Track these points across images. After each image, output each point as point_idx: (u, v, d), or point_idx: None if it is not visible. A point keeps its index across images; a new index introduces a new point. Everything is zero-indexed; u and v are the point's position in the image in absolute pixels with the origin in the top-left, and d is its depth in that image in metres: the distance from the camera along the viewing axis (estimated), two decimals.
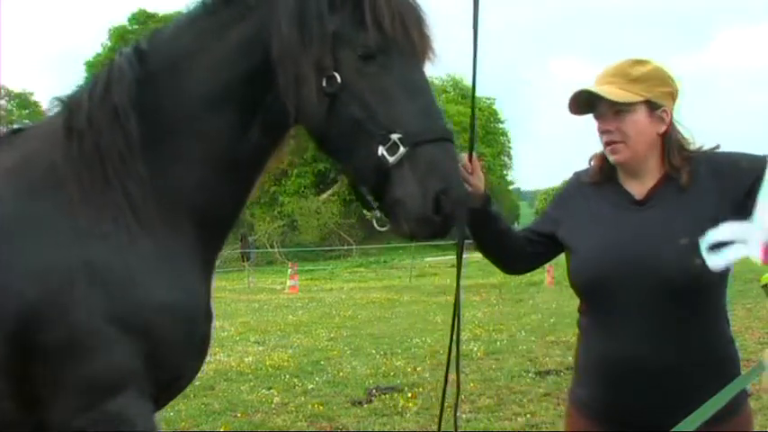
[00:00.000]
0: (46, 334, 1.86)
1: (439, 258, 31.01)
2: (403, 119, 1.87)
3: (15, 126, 2.33)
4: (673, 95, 2.23)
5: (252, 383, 7.52)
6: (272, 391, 7.22)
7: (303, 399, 6.86)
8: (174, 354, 2.02)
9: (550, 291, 17.55)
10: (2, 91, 68.51)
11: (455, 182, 1.88)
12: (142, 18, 59.59)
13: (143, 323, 1.91)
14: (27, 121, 71.28)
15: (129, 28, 59.43)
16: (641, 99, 2.15)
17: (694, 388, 2.07)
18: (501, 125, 55.71)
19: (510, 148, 57.68)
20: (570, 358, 8.29)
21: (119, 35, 58.76)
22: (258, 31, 1.97)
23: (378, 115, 1.88)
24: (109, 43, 59.19)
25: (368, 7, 1.88)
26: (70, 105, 2.04)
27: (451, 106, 48.29)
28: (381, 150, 1.86)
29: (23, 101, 70.72)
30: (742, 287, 15.43)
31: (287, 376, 7.83)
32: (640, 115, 2.16)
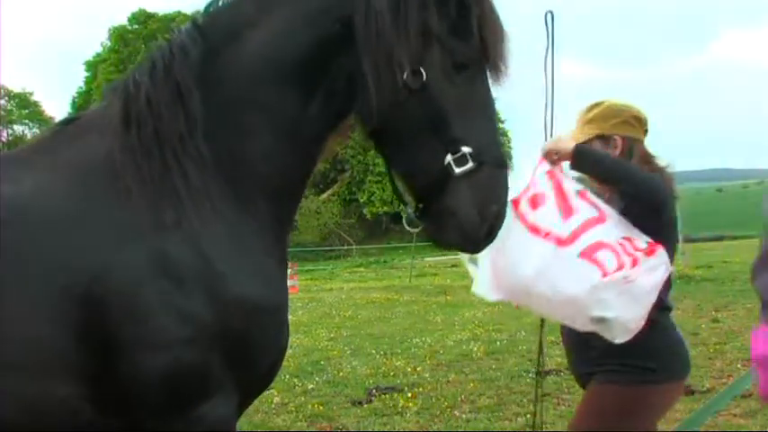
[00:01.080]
0: (115, 334, 1.80)
1: (439, 258, 30.98)
2: (476, 135, 1.90)
3: (68, 116, 2.28)
4: (627, 121, 2.74)
5: None
6: (272, 391, 7.21)
7: (303, 399, 6.86)
8: (257, 351, 1.94)
9: None
10: (2, 91, 68.49)
11: (505, 210, 1.98)
12: (142, 18, 59.59)
13: (221, 319, 1.83)
14: (27, 121, 71.44)
15: (129, 28, 59.43)
16: (593, 136, 2.74)
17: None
18: (501, 125, 55.71)
19: (510, 148, 57.63)
20: None
21: (119, 35, 58.79)
22: (332, 3, 1.92)
23: (454, 124, 1.88)
24: (109, 43, 59.21)
25: (476, 19, 1.88)
26: (127, 91, 1.96)
27: None
28: (449, 159, 1.88)
29: (23, 101, 70.69)
30: (742, 287, 15.42)
31: (287, 376, 7.82)
32: (596, 146, 2.72)
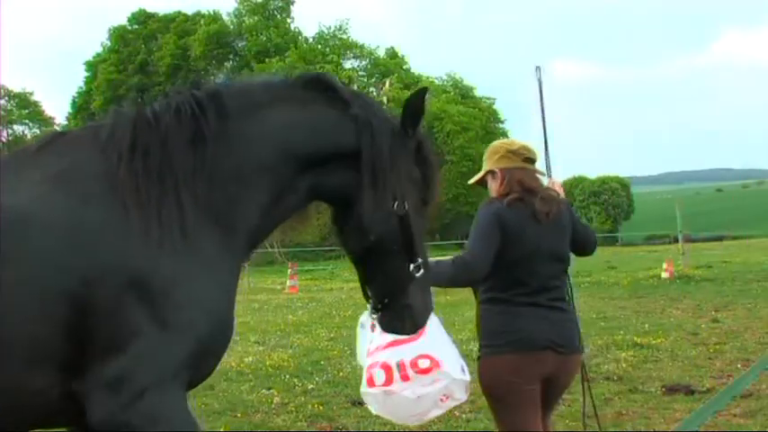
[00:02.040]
0: (98, 332, 2.08)
1: (438, 258, 30.94)
2: (422, 251, 2.60)
3: (58, 129, 2.43)
4: (504, 156, 3.40)
5: (252, 383, 7.52)
6: (272, 391, 7.22)
7: (303, 399, 6.86)
8: (211, 353, 2.30)
9: None
10: (2, 91, 68.45)
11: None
12: (142, 18, 59.50)
13: (187, 324, 2.16)
14: (27, 121, 71.37)
15: (129, 28, 59.35)
16: (485, 172, 3.47)
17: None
18: (501, 125, 55.61)
19: None
20: None
21: (119, 35, 58.70)
22: (345, 124, 2.47)
23: (416, 243, 2.55)
24: (109, 43, 59.16)
25: (433, 173, 2.67)
26: (140, 122, 2.28)
27: (452, 106, 48.31)
28: (413, 267, 2.55)
29: (23, 101, 70.64)
30: (742, 287, 15.44)
31: (287, 376, 7.83)
32: (489, 181, 3.47)
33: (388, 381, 3.13)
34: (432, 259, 3.02)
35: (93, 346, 2.09)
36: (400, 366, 3.16)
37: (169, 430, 2.14)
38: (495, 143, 3.58)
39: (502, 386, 3.23)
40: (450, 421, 5.89)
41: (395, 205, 2.49)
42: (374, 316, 2.68)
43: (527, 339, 3.21)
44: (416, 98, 2.59)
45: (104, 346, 2.09)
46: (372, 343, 3.19)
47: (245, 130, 2.36)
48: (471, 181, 3.63)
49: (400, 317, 2.59)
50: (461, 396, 3.20)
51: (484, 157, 3.51)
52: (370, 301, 2.67)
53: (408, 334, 2.70)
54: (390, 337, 2.98)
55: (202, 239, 2.23)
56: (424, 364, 3.14)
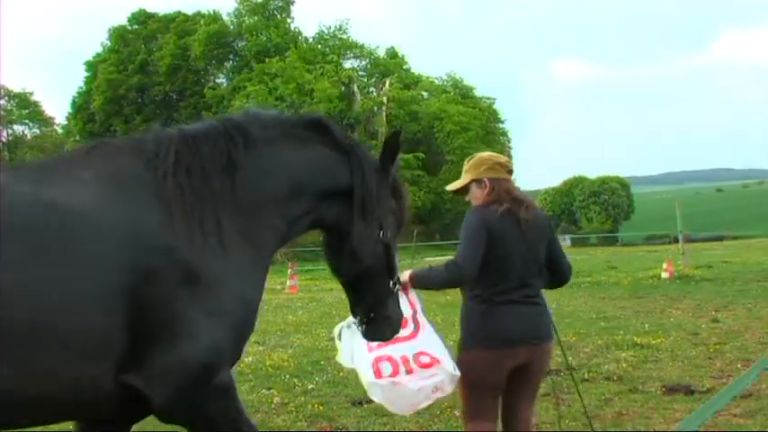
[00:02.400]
0: (154, 323, 2.36)
1: (438, 258, 31.00)
2: (397, 268, 3.16)
3: (93, 143, 2.78)
4: (492, 167, 3.70)
5: (252, 383, 7.51)
6: (272, 391, 7.21)
7: (303, 399, 6.86)
8: (244, 338, 2.71)
9: (550, 291, 17.53)
10: (2, 91, 68.41)
11: None
12: (142, 18, 59.47)
13: (229, 313, 2.54)
14: (27, 121, 71.27)
15: (129, 28, 59.32)
16: (469, 180, 3.74)
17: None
18: (501, 125, 55.64)
19: (510, 148, 57.59)
20: (571, 358, 8.29)
21: (119, 35, 58.67)
22: (341, 165, 2.91)
23: (395, 263, 3.08)
24: (109, 43, 59.12)
25: (405, 209, 3.19)
26: (179, 145, 2.63)
27: (452, 106, 48.31)
28: (391, 283, 3.08)
29: (23, 101, 70.61)
30: (742, 287, 15.43)
31: (287, 376, 7.82)
32: (473, 188, 3.75)
33: (395, 372, 3.58)
34: (424, 266, 3.60)
35: (149, 336, 2.35)
36: (403, 361, 3.63)
37: (233, 405, 2.63)
38: (482, 155, 3.86)
39: (475, 375, 3.62)
40: (449, 421, 5.89)
41: (380, 234, 2.98)
42: (360, 328, 3.21)
43: (501, 337, 3.60)
44: (394, 139, 3.09)
45: (160, 336, 2.36)
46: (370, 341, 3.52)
47: (264, 165, 2.75)
48: (451, 187, 3.92)
49: (382, 327, 3.14)
50: (450, 389, 3.66)
51: (466, 167, 3.80)
52: (357, 315, 3.18)
53: (388, 340, 3.29)
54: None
55: (235, 250, 2.57)
56: (424, 360, 3.61)
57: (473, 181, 3.72)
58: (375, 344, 3.54)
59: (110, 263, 2.29)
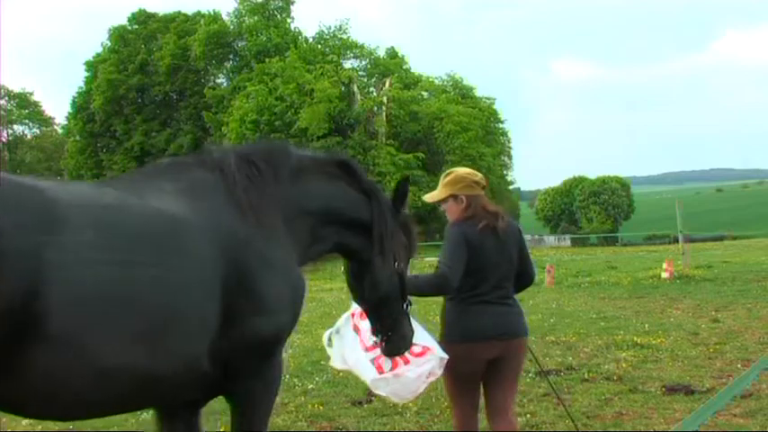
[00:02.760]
0: (241, 305, 2.83)
1: (437, 259, 30.98)
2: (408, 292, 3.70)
3: (166, 161, 3.30)
4: (469, 185, 4.08)
5: None
6: None
7: (303, 399, 6.86)
8: (297, 319, 3.16)
9: (550, 291, 17.53)
10: (2, 91, 68.40)
11: None
12: (142, 18, 59.45)
13: (293, 297, 3.08)
14: (27, 121, 71.19)
15: (129, 28, 59.30)
16: (447, 195, 4.10)
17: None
18: (501, 125, 55.63)
19: (510, 148, 57.61)
20: (570, 358, 8.29)
21: (119, 35, 58.65)
22: (363, 203, 3.45)
23: (407, 288, 3.64)
24: (109, 43, 59.10)
25: (414, 243, 3.77)
26: (238, 163, 3.12)
27: (452, 106, 48.28)
28: (406, 306, 3.66)
29: (23, 101, 70.62)
30: (742, 287, 15.43)
31: (287, 376, 7.82)
32: (450, 202, 4.12)
33: (395, 366, 3.98)
34: (412, 274, 3.99)
35: (235, 317, 2.81)
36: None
37: (277, 382, 3.18)
38: (460, 172, 4.20)
39: (454, 365, 3.99)
40: (449, 422, 5.89)
41: (396, 264, 3.51)
42: (381, 345, 3.72)
43: (475, 332, 4.02)
44: (403, 185, 3.62)
45: (243, 316, 2.83)
46: (364, 342, 3.99)
47: (302, 187, 3.28)
48: (429, 199, 4.29)
49: (399, 344, 3.67)
50: (440, 372, 4.03)
51: (444, 181, 4.16)
52: (378, 334, 3.68)
53: (399, 355, 3.80)
54: None
55: (288, 247, 3.12)
56: (417, 350, 4.00)
57: (451, 196, 4.11)
58: (371, 343, 3.95)
59: (208, 256, 2.75)
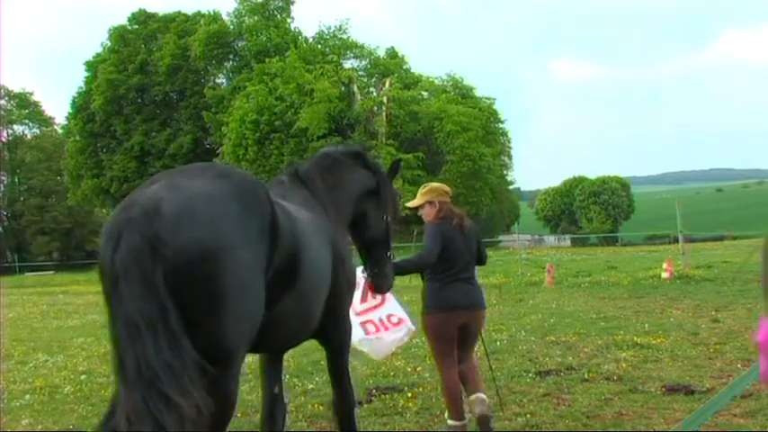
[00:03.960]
0: (339, 281, 4.05)
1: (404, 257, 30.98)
2: (392, 246, 4.99)
3: (281, 178, 4.43)
4: (440, 194, 5.55)
5: (252, 383, 7.51)
6: None
7: (303, 399, 6.86)
8: None
9: (550, 291, 17.54)
10: (2, 91, 68.38)
11: None
12: (142, 18, 59.38)
13: (352, 282, 4.39)
14: (27, 121, 71.09)
15: (129, 28, 59.23)
16: (425, 201, 5.54)
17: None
18: (501, 125, 55.58)
19: (510, 148, 57.56)
20: (570, 358, 8.30)
21: (119, 35, 58.59)
22: (372, 182, 4.78)
23: (390, 240, 4.94)
24: (109, 43, 59.05)
25: (398, 205, 5.27)
26: (314, 178, 4.43)
27: (452, 106, 48.23)
28: (388, 254, 4.93)
29: (23, 101, 70.59)
30: (742, 287, 15.43)
31: (287, 376, 7.81)
32: (426, 207, 5.54)
33: (377, 330, 5.66)
34: (398, 259, 5.33)
35: (334, 288, 4.00)
36: (380, 322, 5.73)
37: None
38: (433, 185, 5.70)
39: (435, 331, 5.33)
40: (449, 421, 5.88)
41: (384, 218, 4.82)
42: (368, 279, 4.91)
43: (449, 303, 5.29)
44: (396, 164, 5.33)
45: (338, 286, 4.05)
46: (354, 307, 5.04)
47: (348, 179, 4.62)
48: (410, 204, 5.68)
49: (383, 282, 4.91)
50: (407, 339, 5.93)
51: (421, 192, 5.62)
52: (367, 271, 4.91)
53: (384, 292, 5.10)
54: (367, 305, 5.71)
55: (345, 233, 4.55)
56: (394, 319, 5.75)
57: (427, 202, 5.54)
58: (359, 309, 5.51)
59: (329, 250, 3.97)
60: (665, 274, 18.04)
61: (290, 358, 8.98)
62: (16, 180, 70.24)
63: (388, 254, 4.88)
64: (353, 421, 4.47)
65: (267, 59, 49.03)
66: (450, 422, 5.36)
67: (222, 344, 2.90)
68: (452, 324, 5.27)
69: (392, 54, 56.14)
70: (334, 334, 4.27)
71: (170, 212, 2.78)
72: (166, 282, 2.69)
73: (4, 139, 68.82)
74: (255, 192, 3.20)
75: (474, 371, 5.49)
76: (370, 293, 5.32)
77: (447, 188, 5.70)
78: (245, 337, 3.01)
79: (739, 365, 7.36)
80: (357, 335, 5.06)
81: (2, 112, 67.53)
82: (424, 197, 5.54)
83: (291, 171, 4.36)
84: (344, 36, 54.05)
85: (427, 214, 5.50)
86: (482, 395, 5.34)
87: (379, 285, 4.91)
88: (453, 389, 5.29)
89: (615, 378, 7.09)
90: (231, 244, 2.91)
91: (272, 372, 4.59)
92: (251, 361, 8.70)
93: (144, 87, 56.76)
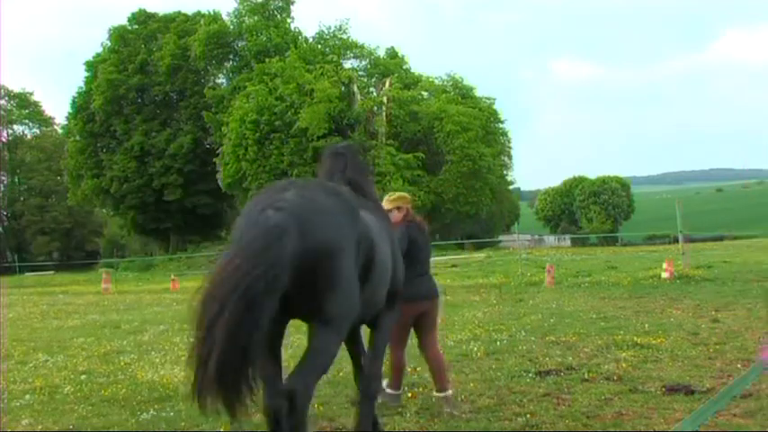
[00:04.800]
0: (395, 278, 4.99)
1: (438, 258, 30.98)
2: None
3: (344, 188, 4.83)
4: (405, 201, 6.47)
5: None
6: None
7: None
8: None
9: (550, 291, 17.54)
10: (2, 91, 68.41)
11: None
12: (142, 18, 59.41)
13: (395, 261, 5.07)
14: (27, 121, 71.05)
15: (129, 28, 59.26)
16: (394, 207, 6.37)
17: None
18: (501, 125, 55.59)
19: (510, 148, 57.57)
20: (570, 358, 8.30)
21: (119, 35, 58.62)
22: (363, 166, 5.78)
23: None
24: (109, 43, 59.07)
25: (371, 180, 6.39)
26: (348, 185, 5.07)
27: (452, 106, 48.25)
28: None
29: (23, 101, 70.65)
30: (742, 287, 15.43)
31: (286, 376, 7.80)
32: (394, 212, 6.31)
33: None
34: None
35: (394, 276, 4.96)
36: None
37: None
38: (399, 194, 6.64)
39: (401, 317, 5.80)
40: (450, 422, 5.89)
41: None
42: None
43: (414, 294, 6.03)
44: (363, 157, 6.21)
45: (395, 275, 5.01)
46: None
47: (362, 179, 5.37)
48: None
49: None
50: None
51: (389, 199, 6.43)
52: None
53: None
54: None
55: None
56: None
57: (396, 208, 6.36)
58: None
59: (390, 250, 4.88)
60: (665, 274, 18.04)
61: (289, 358, 8.97)
62: (16, 180, 70.31)
63: None
64: (373, 405, 5.18)
65: (267, 59, 49.05)
66: (388, 390, 6.50)
67: (337, 313, 4.12)
68: (415, 312, 6.18)
69: (392, 54, 56.15)
70: (384, 317, 5.10)
71: (307, 219, 3.93)
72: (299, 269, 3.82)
73: (4, 139, 68.84)
74: (355, 209, 4.35)
75: (439, 363, 6.31)
76: None
77: (408, 196, 6.76)
78: (354, 310, 4.22)
79: (739, 365, 7.36)
80: None
81: (2, 112, 67.55)
82: (393, 203, 6.39)
83: (344, 179, 5.11)
84: (344, 36, 54.08)
85: (395, 218, 6.24)
86: (447, 393, 6.23)
87: None
88: (399, 366, 6.51)
89: (615, 378, 7.09)
90: (345, 246, 4.09)
91: (352, 338, 5.43)
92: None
93: (144, 87, 56.79)
